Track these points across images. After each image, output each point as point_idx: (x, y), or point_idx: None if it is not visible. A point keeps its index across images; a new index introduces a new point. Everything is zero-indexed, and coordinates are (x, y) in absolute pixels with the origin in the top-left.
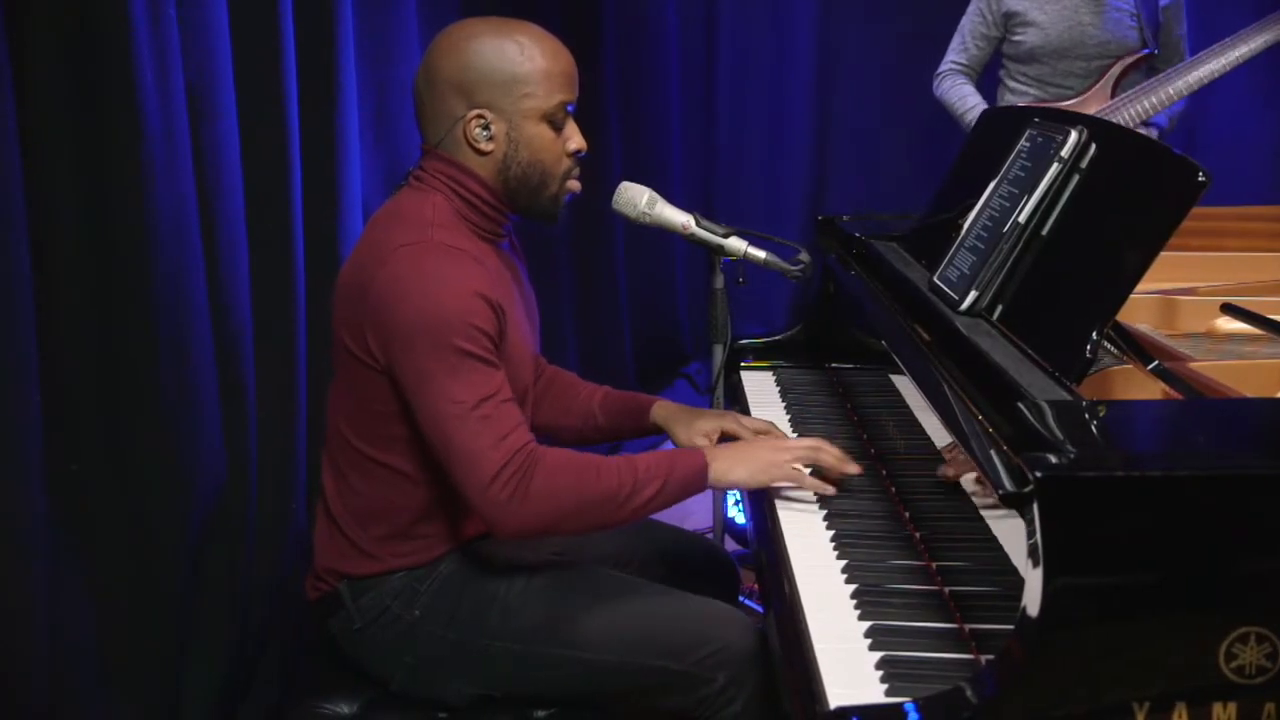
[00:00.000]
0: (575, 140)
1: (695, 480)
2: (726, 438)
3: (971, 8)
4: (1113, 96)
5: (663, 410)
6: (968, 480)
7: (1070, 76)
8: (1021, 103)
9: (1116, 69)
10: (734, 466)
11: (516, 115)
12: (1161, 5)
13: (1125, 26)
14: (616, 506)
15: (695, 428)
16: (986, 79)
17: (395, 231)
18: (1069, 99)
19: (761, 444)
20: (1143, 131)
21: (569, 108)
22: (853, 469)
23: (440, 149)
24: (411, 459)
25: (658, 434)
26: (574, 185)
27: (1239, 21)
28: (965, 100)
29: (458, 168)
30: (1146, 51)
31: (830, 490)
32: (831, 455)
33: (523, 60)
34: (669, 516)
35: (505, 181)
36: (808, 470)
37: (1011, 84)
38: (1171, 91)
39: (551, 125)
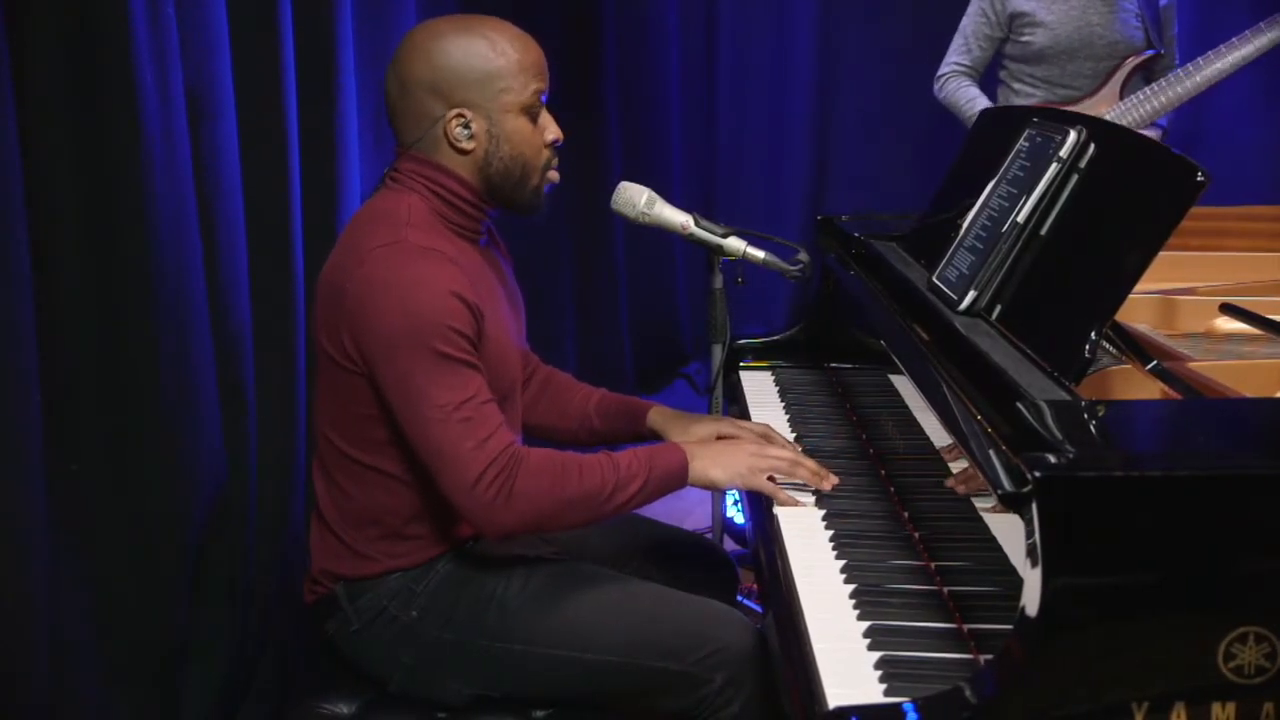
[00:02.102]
0: (552, 130)
1: (675, 477)
2: None
3: (973, 8)
4: (1121, 97)
5: (658, 416)
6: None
7: (1079, 77)
8: (1028, 104)
9: (1125, 69)
10: (711, 466)
11: (495, 111)
12: (1161, 5)
13: (1132, 27)
14: (599, 504)
15: (691, 433)
16: (987, 80)
17: (370, 233)
18: (1077, 100)
19: (743, 447)
20: (1149, 132)
21: (543, 97)
22: (828, 484)
23: (417, 149)
24: (399, 461)
25: (654, 439)
26: (553, 176)
27: (1239, 20)
28: (974, 102)
29: (435, 167)
30: (1153, 52)
31: (800, 506)
32: (808, 469)
33: (495, 56)
34: (668, 516)
35: (486, 178)
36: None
37: (1016, 85)
38: (1180, 92)
39: (529, 117)
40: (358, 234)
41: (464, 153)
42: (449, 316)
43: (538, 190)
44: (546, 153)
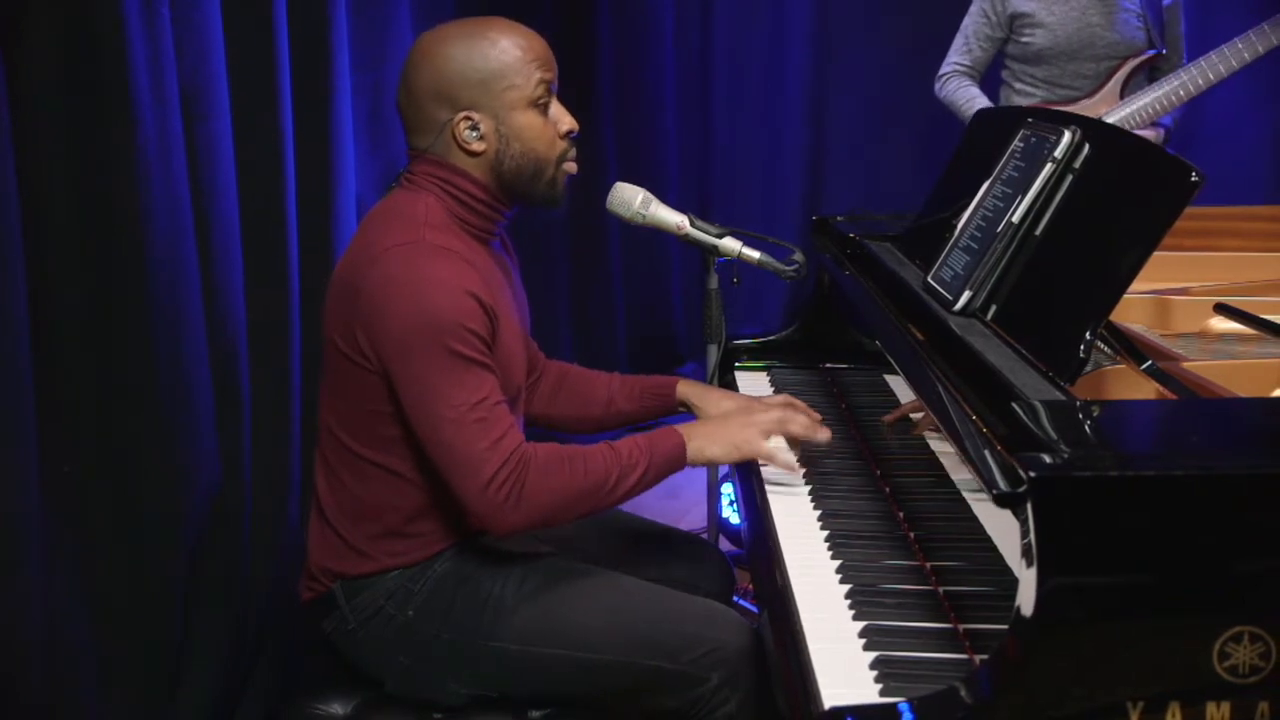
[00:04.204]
0: (566, 121)
1: (676, 459)
2: None
3: (974, 8)
4: (1122, 97)
5: (687, 388)
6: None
7: (1079, 78)
8: (1029, 105)
9: (1125, 70)
10: (707, 444)
11: (502, 109)
12: (1165, 4)
13: (1133, 27)
14: (605, 494)
15: (722, 408)
16: (988, 80)
17: (387, 231)
18: (1078, 100)
19: (733, 420)
20: (1150, 132)
21: (551, 87)
22: (823, 435)
23: (430, 153)
24: (405, 458)
25: (683, 413)
26: (571, 167)
27: (1236, 21)
28: (973, 102)
29: (449, 169)
30: (1154, 52)
31: (797, 468)
32: (799, 424)
33: (496, 54)
34: (664, 516)
35: (499, 176)
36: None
37: (1018, 85)
38: (1182, 92)
39: (538, 110)
40: (374, 232)
41: (475, 154)
42: (465, 317)
43: (554, 183)
44: (562, 144)
